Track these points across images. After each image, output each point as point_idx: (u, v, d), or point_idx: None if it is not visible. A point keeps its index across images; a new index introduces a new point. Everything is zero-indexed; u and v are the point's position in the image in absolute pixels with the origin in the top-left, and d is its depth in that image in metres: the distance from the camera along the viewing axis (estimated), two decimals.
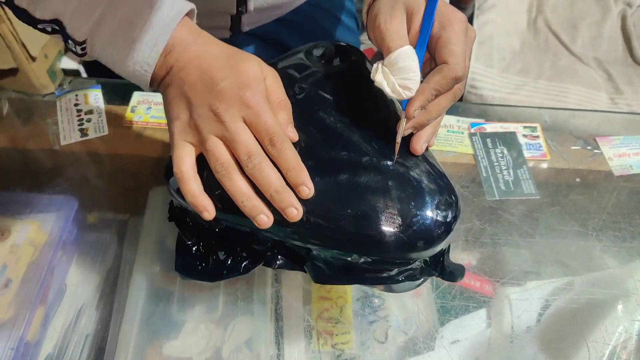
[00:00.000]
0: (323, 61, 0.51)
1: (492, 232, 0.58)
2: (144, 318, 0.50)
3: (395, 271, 0.44)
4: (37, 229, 0.55)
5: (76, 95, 0.66)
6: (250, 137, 0.41)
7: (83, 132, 0.62)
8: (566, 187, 0.63)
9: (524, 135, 0.67)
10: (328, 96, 0.48)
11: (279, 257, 0.47)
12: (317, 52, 0.52)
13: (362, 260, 0.43)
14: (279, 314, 0.51)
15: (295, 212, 0.41)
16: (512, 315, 0.53)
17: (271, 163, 0.41)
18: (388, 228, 0.41)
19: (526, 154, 0.65)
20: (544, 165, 0.65)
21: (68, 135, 0.62)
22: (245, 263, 0.46)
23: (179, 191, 0.43)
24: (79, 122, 0.63)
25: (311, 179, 0.42)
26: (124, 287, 0.52)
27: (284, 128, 0.43)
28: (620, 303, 0.54)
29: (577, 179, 0.64)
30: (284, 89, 0.45)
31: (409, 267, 0.44)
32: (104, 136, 0.62)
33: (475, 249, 0.57)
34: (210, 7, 0.58)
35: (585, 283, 0.56)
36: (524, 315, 0.53)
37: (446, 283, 0.54)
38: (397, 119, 0.46)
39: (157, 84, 0.45)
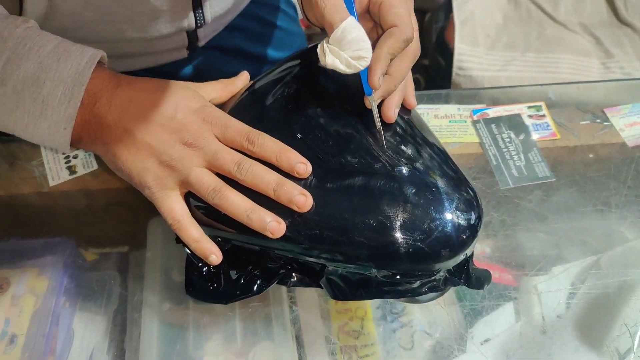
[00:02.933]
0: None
1: (512, 222, 0.55)
2: None
3: (417, 283, 0.42)
4: (37, 277, 0.52)
5: None
6: (230, 149, 0.40)
7: (71, 169, 0.59)
8: (581, 165, 0.60)
9: (530, 116, 0.64)
10: (337, 100, 0.45)
11: (293, 274, 0.44)
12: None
13: (381, 274, 0.41)
14: (299, 338, 0.49)
15: (303, 198, 0.39)
16: (541, 306, 0.51)
17: (262, 164, 0.40)
18: (407, 237, 0.39)
19: (534, 135, 0.63)
20: (555, 145, 0.62)
21: (56, 175, 0.58)
22: (258, 282, 0.44)
23: (197, 208, 0.42)
24: (65, 160, 0.59)
25: (321, 188, 0.40)
26: (133, 328, 0.49)
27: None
28: None
29: (591, 155, 0.62)
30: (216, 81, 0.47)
31: (432, 278, 0.42)
32: (94, 171, 0.59)
33: (497, 241, 0.54)
34: (169, 29, 0.55)
35: (613, 262, 0.53)
36: (553, 304, 0.51)
37: None
38: (411, 120, 0.44)
39: (89, 142, 0.41)
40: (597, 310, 0.50)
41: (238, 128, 0.40)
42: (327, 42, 0.40)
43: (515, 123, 0.64)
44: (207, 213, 0.42)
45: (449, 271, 0.42)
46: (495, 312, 0.51)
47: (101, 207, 0.58)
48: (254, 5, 0.70)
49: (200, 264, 0.45)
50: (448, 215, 0.40)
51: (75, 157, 0.59)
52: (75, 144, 0.41)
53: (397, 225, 0.39)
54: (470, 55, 1.23)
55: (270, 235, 0.39)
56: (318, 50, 0.41)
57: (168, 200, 0.41)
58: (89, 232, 0.56)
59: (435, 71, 1.36)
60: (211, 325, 0.49)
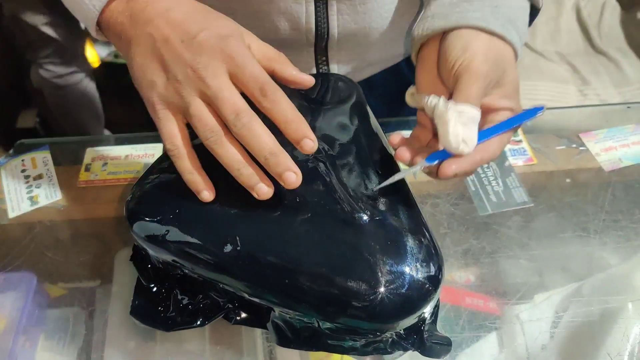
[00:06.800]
0: (314, 95, 0.48)
1: (492, 249, 0.54)
2: None
3: (362, 342, 0.39)
4: None
5: (22, 160, 0.61)
6: (236, 93, 0.36)
7: (33, 199, 0.56)
8: (559, 190, 0.60)
9: None
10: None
11: (240, 311, 0.43)
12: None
13: (325, 325, 0.39)
14: None
15: (293, 176, 0.36)
16: (525, 337, 0.49)
17: (262, 123, 0.36)
18: (352, 292, 0.35)
19: (512, 160, 0.62)
20: (532, 170, 0.62)
21: (16, 206, 0.56)
22: (204, 314, 0.43)
23: (147, 238, 0.39)
24: (27, 190, 0.57)
25: (271, 221, 0.38)
26: None
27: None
28: (630, 303, 0.51)
29: (568, 180, 0.61)
30: (274, 48, 0.41)
31: (379, 338, 0.39)
32: (57, 201, 0.57)
33: (476, 269, 0.53)
34: (284, 34, 0.52)
35: (594, 290, 0.52)
36: (536, 335, 0.49)
37: (452, 312, 0.50)
38: (385, 164, 0.43)
39: (115, 33, 0.40)
40: (580, 339, 0.49)
41: (255, 73, 0.36)
42: (454, 103, 0.39)
43: None
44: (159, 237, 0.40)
45: (398, 334, 0.39)
46: (478, 344, 0.49)
47: (65, 240, 0.55)
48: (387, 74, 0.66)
49: (151, 285, 0.43)
50: (404, 275, 0.36)
51: (38, 186, 0.57)
52: (103, 29, 0.40)
53: (344, 277, 0.36)
54: None
55: (255, 196, 0.37)
56: (436, 99, 0.40)
57: (170, 124, 0.38)
58: (53, 266, 0.53)
59: None
60: None
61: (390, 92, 0.64)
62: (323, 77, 0.50)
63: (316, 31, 0.53)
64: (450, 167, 0.38)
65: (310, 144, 0.36)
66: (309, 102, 0.47)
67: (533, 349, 0.48)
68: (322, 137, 0.44)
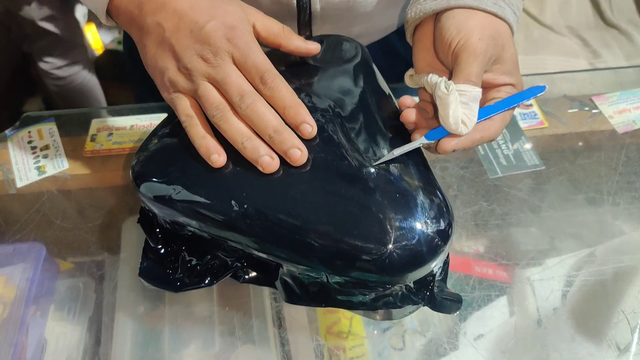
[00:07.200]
0: (319, 56, 0.47)
1: (502, 212, 0.53)
2: None
3: (372, 296, 0.39)
4: (4, 284, 0.50)
5: (29, 132, 0.61)
6: (242, 77, 0.39)
7: (40, 169, 0.57)
8: (571, 153, 0.59)
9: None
10: (316, 92, 0.43)
11: (248, 270, 0.43)
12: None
13: (333, 279, 0.38)
14: (283, 338, 0.46)
15: (298, 153, 0.37)
16: (535, 297, 0.49)
17: (266, 103, 0.38)
18: (362, 242, 0.35)
19: (522, 124, 0.61)
20: (543, 133, 0.61)
21: (24, 176, 0.56)
22: (212, 273, 0.43)
23: (154, 198, 0.39)
24: (34, 160, 0.57)
25: (280, 182, 0.38)
26: (108, 335, 0.46)
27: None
28: None
29: (580, 143, 0.60)
30: (278, 22, 0.43)
31: (389, 291, 0.38)
32: (64, 171, 0.57)
33: (486, 232, 0.52)
34: (266, 7, 0.53)
35: (608, 251, 0.51)
36: (548, 295, 0.48)
37: (462, 274, 0.49)
38: (393, 121, 0.42)
39: (127, 21, 0.41)
40: (592, 298, 0.48)
41: (257, 62, 0.39)
42: (454, 83, 0.38)
43: None
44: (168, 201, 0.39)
45: (408, 288, 0.39)
46: (488, 307, 0.48)
47: (73, 209, 0.55)
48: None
49: (159, 247, 0.43)
50: (413, 227, 0.36)
51: (45, 156, 0.57)
52: (113, 15, 0.42)
53: (354, 229, 0.35)
54: None
55: (261, 169, 0.37)
56: (437, 78, 0.40)
57: (183, 102, 0.40)
58: (61, 236, 0.53)
59: None
60: (188, 327, 0.47)
61: (380, 63, 0.63)
62: (328, 38, 0.50)
63: (298, 5, 0.54)
64: (449, 143, 0.39)
65: (308, 128, 0.38)
66: (315, 62, 0.46)
67: (544, 308, 0.48)
68: (330, 96, 0.43)
